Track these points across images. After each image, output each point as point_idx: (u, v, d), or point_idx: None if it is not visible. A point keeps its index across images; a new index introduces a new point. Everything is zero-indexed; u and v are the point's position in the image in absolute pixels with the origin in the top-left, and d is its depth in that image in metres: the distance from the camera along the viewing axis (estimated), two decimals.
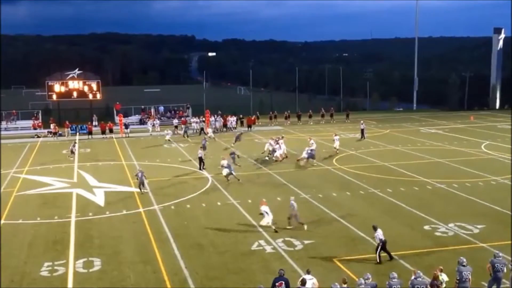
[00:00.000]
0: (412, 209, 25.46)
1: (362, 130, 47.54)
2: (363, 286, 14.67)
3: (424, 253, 19.84)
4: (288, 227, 22.54)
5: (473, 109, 73.62)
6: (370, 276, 15.00)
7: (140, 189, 29.32)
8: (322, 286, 15.88)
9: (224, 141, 47.39)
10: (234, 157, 35.67)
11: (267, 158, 38.30)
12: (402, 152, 40.86)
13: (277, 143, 38.34)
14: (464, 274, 15.30)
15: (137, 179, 29.79)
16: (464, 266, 15.45)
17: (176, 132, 53.01)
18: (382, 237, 18.92)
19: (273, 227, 22.33)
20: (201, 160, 35.65)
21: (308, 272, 15.78)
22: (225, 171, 31.48)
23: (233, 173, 31.48)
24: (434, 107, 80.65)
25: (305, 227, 22.53)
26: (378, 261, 18.79)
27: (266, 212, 22.52)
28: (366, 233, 21.94)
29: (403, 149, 42.26)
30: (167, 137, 47.71)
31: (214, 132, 53.89)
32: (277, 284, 15.26)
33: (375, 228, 19.27)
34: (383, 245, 18.92)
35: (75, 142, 43.59)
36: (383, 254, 19.09)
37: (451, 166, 35.53)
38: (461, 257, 15.77)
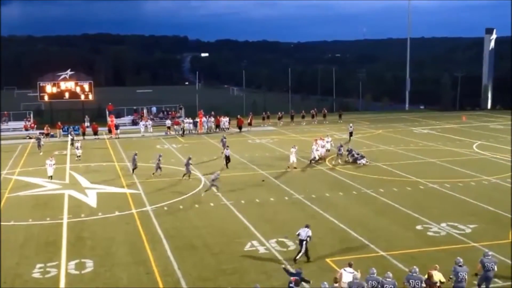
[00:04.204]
0: (404, 209, 25.53)
1: (351, 133, 47.87)
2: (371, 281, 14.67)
3: (416, 253, 19.88)
4: None
5: (465, 109, 73.93)
6: (391, 275, 14.97)
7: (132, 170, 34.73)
8: (315, 286, 15.87)
9: (216, 142, 47.30)
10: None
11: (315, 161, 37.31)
12: (394, 153, 40.98)
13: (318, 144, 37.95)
14: (461, 274, 15.32)
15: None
16: (460, 266, 15.48)
17: (168, 132, 53.31)
18: None
19: None
20: (227, 158, 36.26)
21: (350, 265, 15.68)
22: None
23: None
24: (427, 107, 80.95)
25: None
26: None
27: None
28: (359, 233, 22.02)
29: (395, 149, 42.38)
30: None
31: (207, 132, 54.02)
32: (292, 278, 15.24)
33: None
34: None
35: (73, 139, 47.27)
36: None
37: (443, 166, 35.66)
38: (458, 257, 15.83)
